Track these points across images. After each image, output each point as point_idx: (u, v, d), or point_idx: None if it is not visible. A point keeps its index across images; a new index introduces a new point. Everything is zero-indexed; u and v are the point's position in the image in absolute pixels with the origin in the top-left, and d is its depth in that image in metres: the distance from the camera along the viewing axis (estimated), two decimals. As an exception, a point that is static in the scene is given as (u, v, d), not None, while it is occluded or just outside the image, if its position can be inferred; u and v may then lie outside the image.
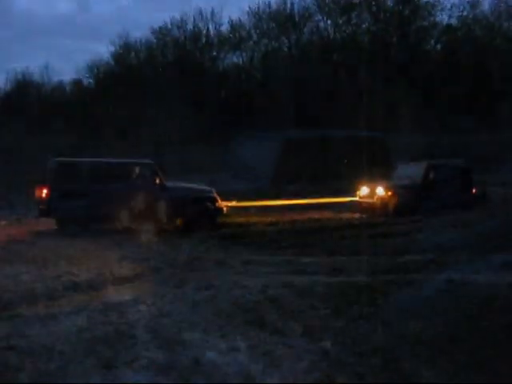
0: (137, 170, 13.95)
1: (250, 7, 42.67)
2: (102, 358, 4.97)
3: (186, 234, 12.97)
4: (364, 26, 41.78)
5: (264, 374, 4.65)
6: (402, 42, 40.97)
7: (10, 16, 61.19)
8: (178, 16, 42.96)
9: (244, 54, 43.15)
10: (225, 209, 14.19)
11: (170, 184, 13.87)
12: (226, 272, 8.72)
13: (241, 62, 43.39)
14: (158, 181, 13.46)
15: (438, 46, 42.38)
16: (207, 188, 14.38)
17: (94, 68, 45.11)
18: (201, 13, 42.06)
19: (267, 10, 41.68)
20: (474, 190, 17.42)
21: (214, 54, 43.14)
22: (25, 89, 44.25)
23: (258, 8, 41.68)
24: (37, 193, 13.25)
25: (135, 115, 34.53)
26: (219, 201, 13.95)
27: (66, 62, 73.51)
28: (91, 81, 45.89)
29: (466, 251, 10.24)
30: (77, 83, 45.73)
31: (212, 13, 42.00)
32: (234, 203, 15.80)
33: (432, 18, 40.76)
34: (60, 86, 45.96)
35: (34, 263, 9.51)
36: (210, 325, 5.90)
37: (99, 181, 13.23)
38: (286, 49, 42.60)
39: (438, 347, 5.14)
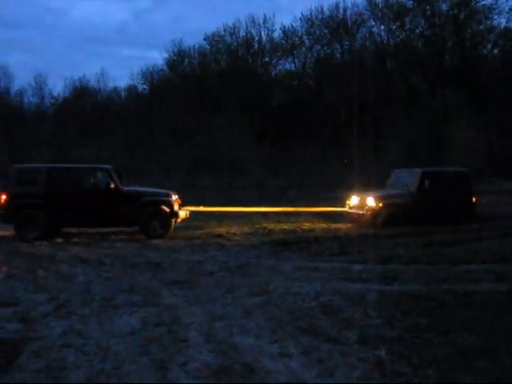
0: (93, 174, 14.31)
1: (302, 13, 42.87)
2: (155, 359, 5.01)
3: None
4: (418, 30, 41.11)
5: (317, 382, 4.58)
6: (457, 47, 40.13)
7: (67, 26, 63.35)
8: (230, 23, 43.31)
9: (296, 60, 43.17)
10: (182, 213, 14.25)
11: (125, 188, 14.13)
12: (278, 278, 8.68)
13: (293, 69, 43.43)
14: (112, 185, 13.67)
15: (495, 51, 41.30)
16: (163, 192, 14.48)
17: (148, 74, 46.06)
18: (253, 19, 42.36)
19: (320, 15, 41.60)
20: (473, 199, 16.22)
21: (267, 60, 43.29)
22: (82, 95, 45.51)
23: (311, 14, 41.66)
24: None
25: (189, 121, 34.97)
26: (176, 205, 14.01)
27: (122, 69, 75.43)
28: (146, 87, 46.87)
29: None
30: (132, 89, 46.78)
31: (264, 19, 42.24)
32: (201, 208, 15.81)
33: (489, 22, 39.72)
34: (115, 92, 47.16)
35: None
36: (263, 330, 5.87)
37: (56, 186, 13.65)
38: (338, 55, 42.36)
39: (499, 360, 4.95)
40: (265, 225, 15.48)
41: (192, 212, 15.23)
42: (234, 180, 28.39)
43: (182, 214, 14.26)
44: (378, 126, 32.98)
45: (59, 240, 13.25)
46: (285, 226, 15.35)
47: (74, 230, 14.44)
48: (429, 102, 33.13)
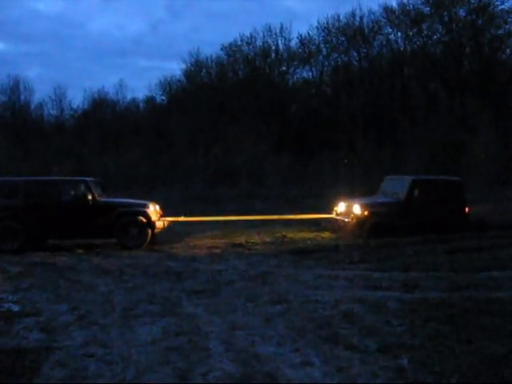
0: (70, 187, 14.46)
1: (318, 21, 42.65)
2: (176, 368, 5.03)
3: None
4: (435, 37, 40.86)
5: (339, 391, 4.57)
6: (475, 53, 39.81)
7: (85, 38, 64.19)
8: (247, 32, 43.45)
9: (313, 69, 43.16)
10: (160, 223, 14.31)
11: (103, 199, 14.22)
12: (298, 286, 8.67)
13: (310, 77, 43.43)
14: (90, 196, 13.82)
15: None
16: (141, 203, 14.57)
17: (166, 85, 46.36)
18: (270, 29, 42.39)
19: (336, 23, 41.51)
20: (466, 209, 15.45)
21: (284, 69, 43.33)
22: (100, 107, 45.96)
23: (327, 22, 41.59)
24: None
25: (207, 131, 35.13)
26: (154, 215, 14.09)
27: (140, 80, 76.03)
28: (164, 98, 47.18)
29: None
30: (150, 100, 47.12)
31: (281, 28, 42.25)
32: (181, 218, 15.77)
33: (508, 27, 39.32)
34: (133, 103, 47.57)
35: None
36: (283, 339, 5.86)
37: (35, 198, 13.87)
38: (355, 62, 42.29)
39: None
40: (285, 233, 15.47)
41: (171, 222, 15.25)
42: (251, 189, 28.36)
43: (160, 224, 14.39)
44: (395, 133, 32.81)
45: (80, 251, 13.35)
46: (304, 235, 15.33)
47: (98, 242, 14.51)
48: (447, 109, 32.90)
